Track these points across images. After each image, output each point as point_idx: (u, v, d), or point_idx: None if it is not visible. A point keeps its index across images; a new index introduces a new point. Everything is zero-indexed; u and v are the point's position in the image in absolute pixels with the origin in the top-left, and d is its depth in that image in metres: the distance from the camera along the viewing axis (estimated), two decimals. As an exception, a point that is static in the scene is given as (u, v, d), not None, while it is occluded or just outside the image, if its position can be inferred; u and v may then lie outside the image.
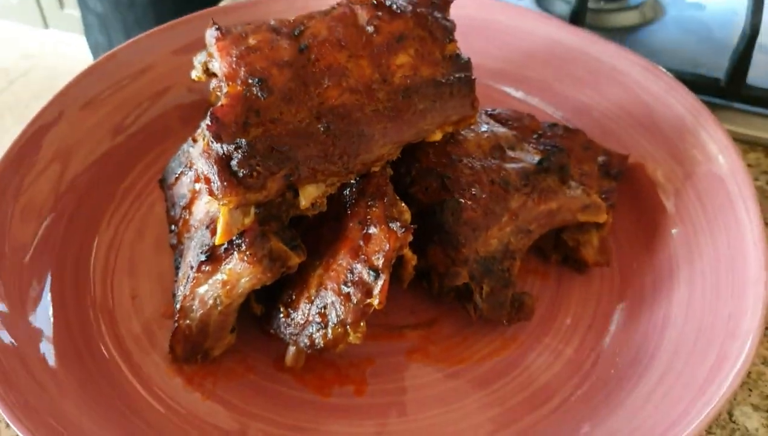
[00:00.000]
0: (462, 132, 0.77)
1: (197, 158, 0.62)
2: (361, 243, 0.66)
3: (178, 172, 0.79)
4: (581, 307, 0.77)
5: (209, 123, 0.63)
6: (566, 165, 0.75)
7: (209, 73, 0.72)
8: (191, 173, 0.77)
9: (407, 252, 0.68)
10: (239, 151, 0.61)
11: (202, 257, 0.66)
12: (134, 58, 0.92)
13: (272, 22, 0.72)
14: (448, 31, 0.75)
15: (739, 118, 1.00)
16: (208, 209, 0.71)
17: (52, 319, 0.71)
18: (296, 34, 0.71)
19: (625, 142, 0.89)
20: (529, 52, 0.98)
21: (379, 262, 0.64)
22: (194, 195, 0.75)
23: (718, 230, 0.76)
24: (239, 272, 0.64)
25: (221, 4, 1.18)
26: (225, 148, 0.61)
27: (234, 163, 0.61)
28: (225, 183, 0.60)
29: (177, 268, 0.75)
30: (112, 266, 0.79)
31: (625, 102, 0.91)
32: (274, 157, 0.62)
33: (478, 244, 0.70)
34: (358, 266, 0.65)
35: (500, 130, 0.80)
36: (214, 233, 0.67)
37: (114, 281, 0.77)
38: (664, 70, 0.90)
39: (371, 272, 0.64)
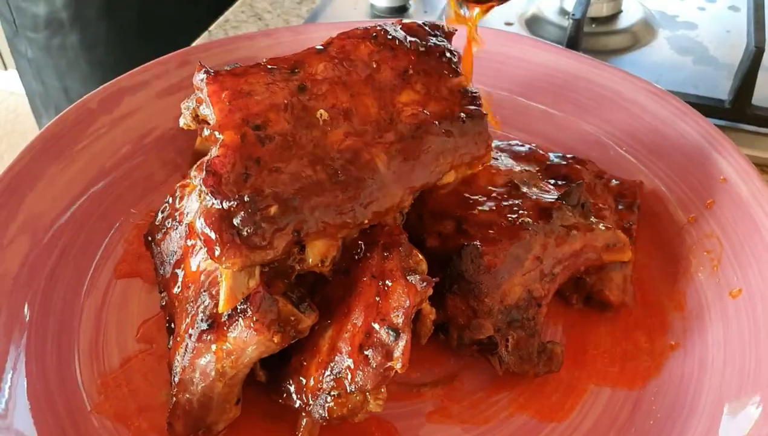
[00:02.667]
0: (471, 169, 0.72)
1: (195, 217, 0.56)
2: (377, 299, 0.60)
3: (167, 226, 0.73)
4: (609, 352, 0.71)
5: (205, 177, 0.57)
6: (587, 200, 0.70)
7: (199, 120, 0.66)
8: (181, 228, 0.71)
9: (425, 306, 0.62)
10: (241, 207, 0.55)
11: (203, 326, 0.60)
12: (111, 103, 0.85)
13: (265, 62, 0.67)
14: (453, 63, 0.71)
15: (746, 139, 0.96)
16: (205, 268, 0.65)
17: (29, 404, 0.64)
18: (292, 73, 0.65)
19: (635, 172, 0.84)
20: (526, 80, 0.94)
21: (399, 320, 0.58)
22: (186, 252, 0.69)
23: (746, 260, 0.72)
24: (246, 340, 0.58)
25: (198, 43, 1.12)
26: (225, 205, 0.55)
27: (236, 220, 0.55)
28: (228, 244, 0.54)
29: (169, 332, 0.69)
30: (98, 335, 0.72)
31: (632, 129, 0.87)
32: (279, 211, 0.56)
33: (501, 292, 0.64)
34: (376, 325, 0.59)
35: (511, 164, 0.75)
36: (214, 296, 0.61)
37: (102, 352, 0.70)
38: (671, 94, 0.86)
39: (391, 332, 0.58)
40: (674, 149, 0.83)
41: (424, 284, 0.59)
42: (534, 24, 1.15)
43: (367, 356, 0.58)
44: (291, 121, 0.61)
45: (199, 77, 0.64)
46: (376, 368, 0.58)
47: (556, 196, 0.70)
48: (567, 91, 0.91)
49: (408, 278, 0.60)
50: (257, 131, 0.60)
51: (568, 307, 0.75)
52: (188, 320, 0.63)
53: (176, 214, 0.73)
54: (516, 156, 0.79)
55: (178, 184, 0.76)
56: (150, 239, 0.75)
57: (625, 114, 0.87)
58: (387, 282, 0.60)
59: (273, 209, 0.56)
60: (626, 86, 0.88)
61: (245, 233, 0.55)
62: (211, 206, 0.55)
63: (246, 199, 0.56)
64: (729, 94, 0.97)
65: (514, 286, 0.65)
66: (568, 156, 0.82)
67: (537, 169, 0.78)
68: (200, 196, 0.57)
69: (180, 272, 0.68)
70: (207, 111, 0.63)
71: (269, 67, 0.65)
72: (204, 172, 0.57)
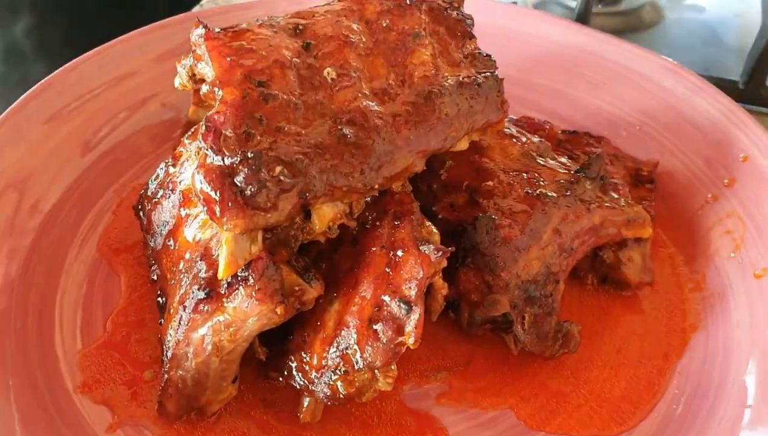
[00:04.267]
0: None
1: (194, 174, 0.51)
2: (388, 271, 0.56)
3: (159, 196, 0.68)
4: (627, 333, 0.67)
5: (204, 132, 0.52)
6: (606, 173, 0.66)
7: (196, 79, 0.61)
8: (174, 197, 0.66)
9: (437, 280, 0.58)
10: (244, 164, 0.51)
11: (200, 295, 0.55)
12: (103, 67, 0.80)
13: (266, 19, 0.63)
14: (466, 26, 0.67)
15: (759, 121, 0.92)
16: (201, 237, 0.60)
17: (11, 381, 0.59)
18: (297, 31, 0.61)
19: (650, 150, 0.81)
20: (536, 55, 0.90)
21: (412, 292, 0.54)
22: (180, 221, 0.64)
23: (772, 240, 0.68)
24: (246, 310, 0.53)
25: (196, 10, 1.07)
26: (227, 161, 0.51)
27: (239, 178, 0.50)
28: (230, 203, 0.50)
29: (160, 307, 0.64)
30: (83, 310, 0.67)
31: (647, 106, 0.83)
32: (285, 171, 0.52)
33: (519, 267, 0.60)
34: (386, 297, 0.55)
35: (525, 135, 0.71)
36: (211, 265, 0.56)
37: (84, 328, 0.65)
38: (688, 69, 0.83)
39: (403, 305, 0.54)
40: (691, 126, 0.79)
41: (439, 253, 0.55)
42: (539, 3, 1.11)
43: (376, 330, 0.54)
44: (296, 79, 0.57)
45: (197, 33, 0.60)
46: (386, 344, 0.54)
47: (574, 169, 0.66)
48: (578, 67, 0.88)
49: (420, 247, 0.55)
50: (260, 88, 0.55)
51: (583, 286, 0.71)
52: (182, 291, 0.58)
53: (169, 182, 0.68)
54: (528, 129, 0.75)
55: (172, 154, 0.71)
56: (140, 209, 0.70)
57: (638, 90, 0.84)
58: (398, 252, 0.56)
59: (278, 169, 0.52)
60: (640, 62, 0.85)
61: (248, 193, 0.50)
62: (211, 163, 0.51)
63: (249, 155, 0.51)
64: (742, 75, 0.94)
65: (531, 260, 0.61)
66: (581, 132, 0.79)
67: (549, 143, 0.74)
68: (198, 154, 0.53)
69: (172, 243, 0.63)
70: (206, 69, 0.58)
71: (272, 23, 0.61)
72: (203, 128, 0.53)
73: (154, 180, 0.70)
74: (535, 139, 0.70)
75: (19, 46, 1.20)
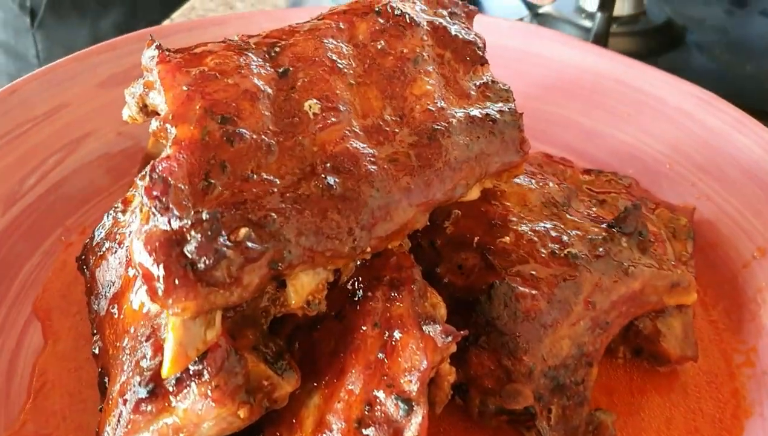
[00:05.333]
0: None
1: (132, 243, 0.40)
2: (382, 357, 0.44)
3: (104, 249, 0.57)
4: (667, 419, 0.57)
5: (149, 184, 0.41)
6: (645, 227, 0.55)
7: (148, 111, 0.50)
8: (121, 252, 0.55)
9: (444, 365, 0.47)
10: (198, 229, 0.39)
11: (142, 393, 0.43)
12: (43, 93, 0.69)
13: (236, 39, 0.51)
14: (477, 48, 0.56)
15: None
16: (150, 308, 0.49)
17: None
18: (272, 54, 0.50)
19: (683, 193, 0.70)
20: (549, 81, 0.80)
21: (412, 387, 0.44)
22: (127, 284, 0.53)
23: (834, 307, 0.57)
24: (200, 413, 0.42)
25: (164, 24, 0.96)
26: (175, 225, 0.39)
27: (189, 248, 0.39)
28: (177, 280, 0.38)
29: (102, 387, 0.52)
30: (7, 388, 0.55)
31: (677, 141, 0.73)
32: (251, 235, 0.41)
33: (545, 348, 0.49)
34: (380, 393, 0.44)
35: (545, 179, 0.60)
36: (158, 350, 0.45)
37: (10, 410, 0.53)
38: (726, 101, 0.72)
39: (401, 403, 0.43)
40: (731, 167, 0.69)
41: (448, 338, 0.44)
42: (547, 23, 1.01)
43: (367, 436, 0.43)
44: (270, 115, 0.46)
45: (149, 54, 0.49)
46: (380, 454, 0.43)
47: (609, 221, 0.55)
48: (598, 95, 0.78)
49: (423, 327, 0.44)
50: (225, 126, 0.45)
51: (613, 360, 0.60)
52: (123, 379, 0.46)
53: (116, 233, 0.56)
54: (546, 168, 0.64)
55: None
56: (84, 262, 0.59)
57: (669, 124, 0.74)
58: (395, 334, 0.45)
59: (243, 233, 0.41)
60: (670, 91, 0.75)
61: (202, 266, 0.39)
62: (154, 227, 0.39)
63: (205, 217, 0.40)
64: (777, 105, 0.84)
65: (560, 339, 0.50)
66: (606, 172, 0.68)
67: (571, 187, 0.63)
68: (142, 212, 0.41)
69: (117, 311, 0.52)
70: (158, 99, 0.48)
71: (241, 44, 0.50)
72: (147, 179, 0.41)
73: (101, 228, 0.59)
74: (556, 183, 0.59)
75: (106, 40, 1.18)
